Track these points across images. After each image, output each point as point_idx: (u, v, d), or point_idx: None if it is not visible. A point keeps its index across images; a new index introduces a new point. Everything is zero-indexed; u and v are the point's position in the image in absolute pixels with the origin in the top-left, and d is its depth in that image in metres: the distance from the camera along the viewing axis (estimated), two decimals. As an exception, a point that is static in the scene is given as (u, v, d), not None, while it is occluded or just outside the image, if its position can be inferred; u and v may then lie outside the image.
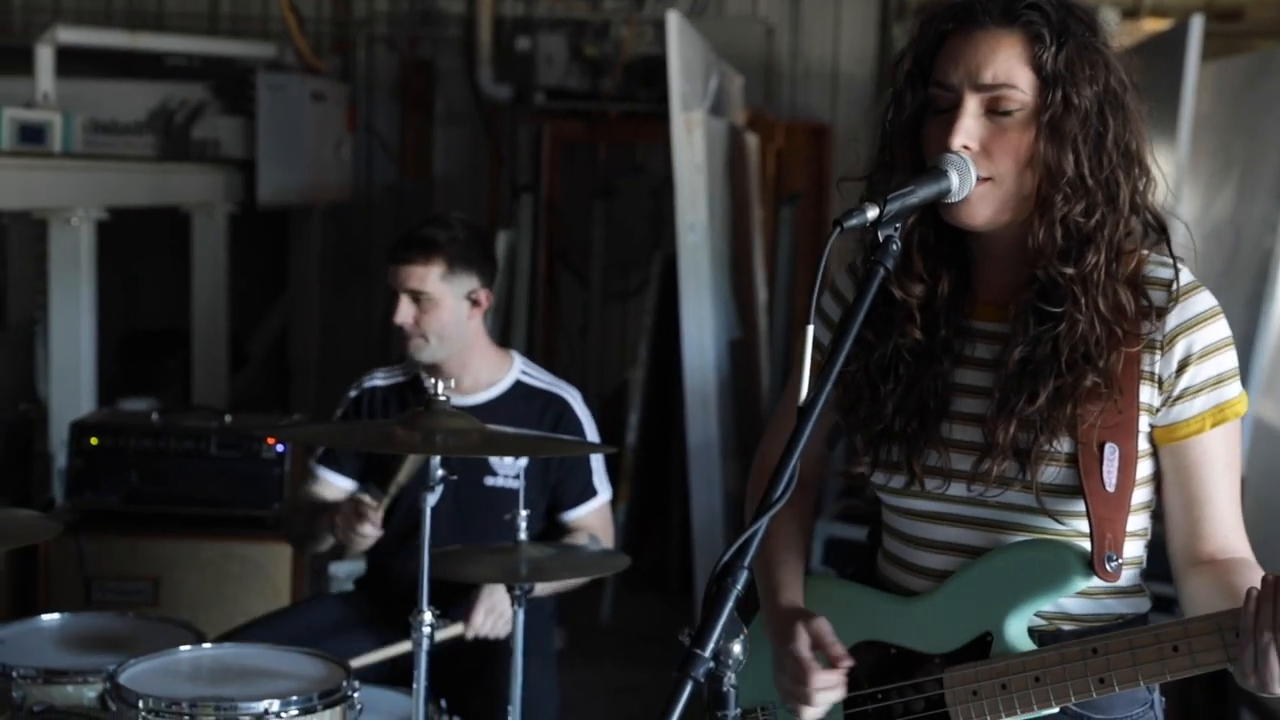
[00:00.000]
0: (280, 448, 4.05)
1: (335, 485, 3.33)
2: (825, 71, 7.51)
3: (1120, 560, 1.78)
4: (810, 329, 1.66)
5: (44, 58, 5.75)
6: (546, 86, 7.02)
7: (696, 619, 1.56)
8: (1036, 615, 1.83)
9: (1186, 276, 1.83)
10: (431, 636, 2.58)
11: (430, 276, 3.16)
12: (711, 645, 1.52)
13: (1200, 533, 1.82)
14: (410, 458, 3.02)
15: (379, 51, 7.75)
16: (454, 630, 2.99)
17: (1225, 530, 1.83)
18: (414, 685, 2.58)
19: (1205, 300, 1.81)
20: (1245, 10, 6.93)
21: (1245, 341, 4.71)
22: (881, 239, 1.70)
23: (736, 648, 1.56)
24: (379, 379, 3.36)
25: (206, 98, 6.56)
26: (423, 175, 7.73)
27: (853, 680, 1.91)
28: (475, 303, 3.24)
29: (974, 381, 1.86)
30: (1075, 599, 1.84)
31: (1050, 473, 1.79)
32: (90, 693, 2.77)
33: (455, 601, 3.02)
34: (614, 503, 5.44)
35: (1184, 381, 1.80)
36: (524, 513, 2.77)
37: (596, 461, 3.32)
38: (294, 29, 7.06)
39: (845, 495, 5.01)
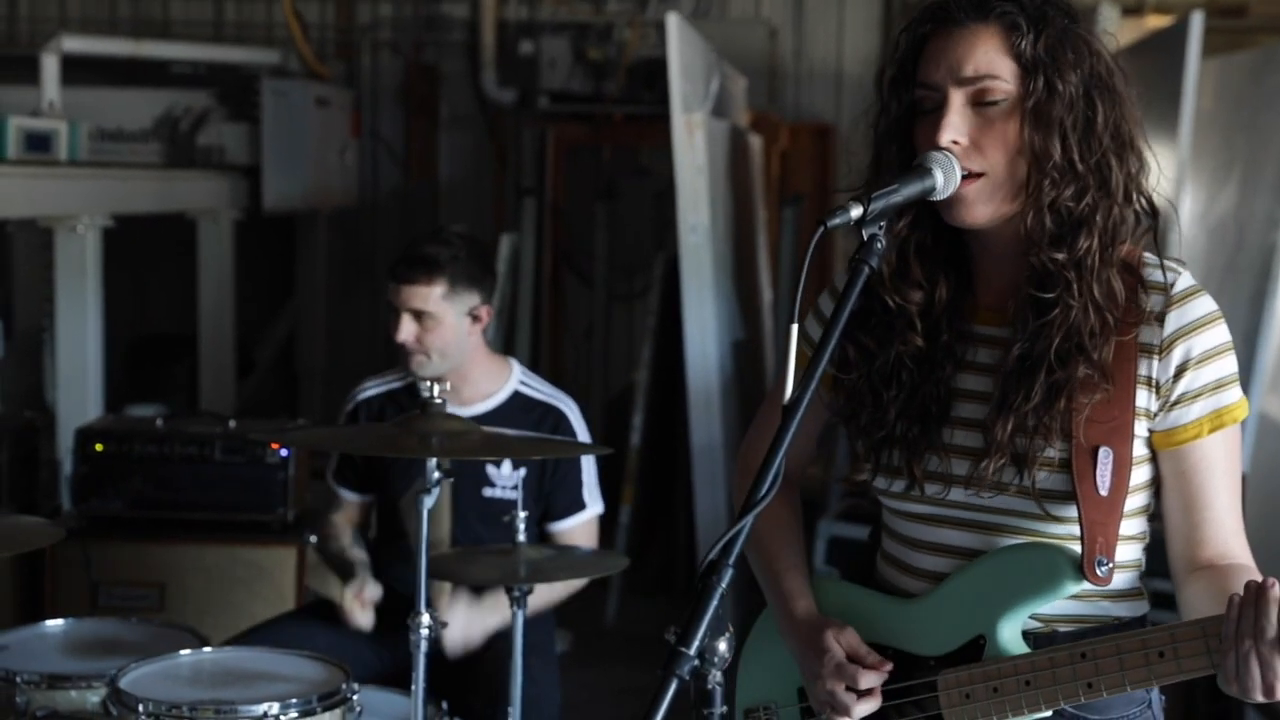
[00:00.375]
0: (284, 452, 4.06)
1: (353, 501, 3.42)
2: (829, 72, 7.52)
3: (1112, 564, 1.77)
4: (794, 328, 1.66)
5: (49, 66, 5.78)
6: (550, 90, 7.04)
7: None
8: (1033, 618, 1.83)
9: (1186, 280, 1.82)
10: (429, 639, 2.59)
11: (433, 296, 3.18)
12: (696, 643, 1.52)
13: (1199, 538, 1.82)
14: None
15: (383, 57, 7.77)
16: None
17: (1224, 536, 1.82)
18: (413, 687, 2.59)
19: (1205, 305, 1.81)
20: (1249, 6, 6.92)
21: (1248, 338, 4.70)
22: (866, 238, 1.71)
23: (722, 646, 1.56)
24: (370, 389, 3.37)
25: (211, 105, 6.59)
26: (427, 179, 7.75)
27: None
28: (476, 319, 3.26)
29: (975, 387, 1.86)
30: (1071, 602, 1.83)
31: (1043, 476, 1.79)
32: (93, 697, 2.78)
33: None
34: (618, 504, 5.49)
35: (1182, 386, 1.79)
36: (522, 514, 2.78)
37: (588, 475, 3.32)
38: (298, 35, 7.09)
39: (849, 495, 5.01)
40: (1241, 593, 1.63)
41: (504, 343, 6.46)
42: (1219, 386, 1.80)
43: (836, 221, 1.68)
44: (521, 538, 2.80)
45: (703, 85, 5.53)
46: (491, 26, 7.44)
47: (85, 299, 5.09)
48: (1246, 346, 4.69)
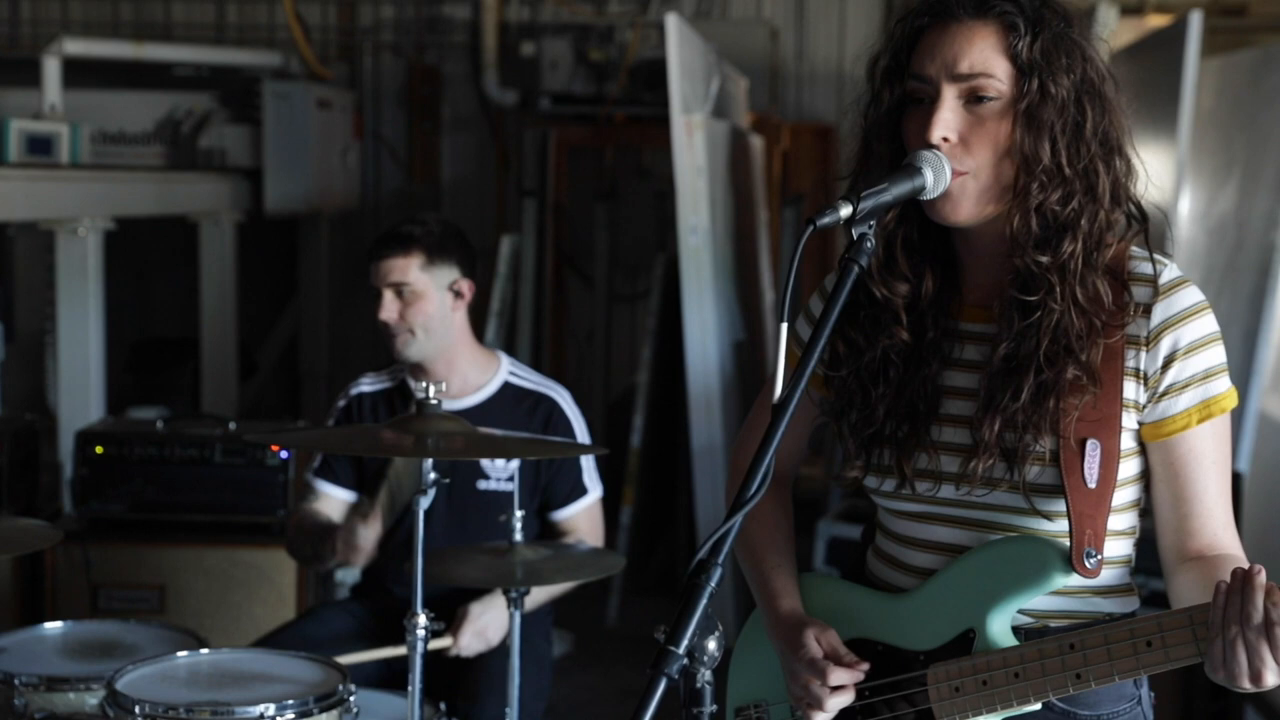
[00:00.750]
0: (284, 454, 4.06)
1: (334, 497, 3.34)
2: (830, 72, 7.52)
3: (1100, 556, 1.77)
4: (784, 327, 1.66)
5: (51, 69, 5.80)
6: (552, 91, 7.04)
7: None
8: (1023, 613, 1.83)
9: (1172, 272, 1.82)
10: (426, 640, 2.59)
11: (411, 268, 3.20)
12: (685, 642, 1.52)
13: (1189, 529, 1.82)
14: (394, 463, 3.06)
15: (385, 59, 7.78)
16: (443, 642, 3.01)
17: (1214, 527, 1.82)
18: (409, 688, 2.59)
19: (1191, 295, 1.81)
20: (1249, 5, 6.92)
21: (1249, 337, 4.69)
22: (856, 236, 1.71)
23: (711, 644, 1.57)
24: (366, 385, 3.38)
25: (213, 107, 6.60)
26: (429, 181, 7.76)
27: (839, 678, 1.92)
28: (458, 294, 3.26)
29: (962, 384, 1.86)
30: (1061, 597, 1.83)
31: (1034, 471, 1.79)
32: (91, 699, 2.78)
33: (450, 607, 3.04)
34: (619, 505, 5.49)
35: (1170, 377, 1.79)
36: (519, 514, 2.78)
37: (587, 459, 3.33)
38: (299, 37, 7.10)
39: (850, 495, 5.01)
40: (1228, 580, 1.63)
41: (506, 344, 6.46)
42: (1207, 376, 1.80)
43: (825, 221, 1.68)
44: (519, 538, 2.80)
45: (703, 86, 5.53)
46: (493, 28, 7.45)
47: (87, 302, 5.11)
48: (1246, 345, 4.68)
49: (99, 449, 4.07)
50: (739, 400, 5.60)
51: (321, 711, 2.58)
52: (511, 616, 2.75)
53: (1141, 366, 1.80)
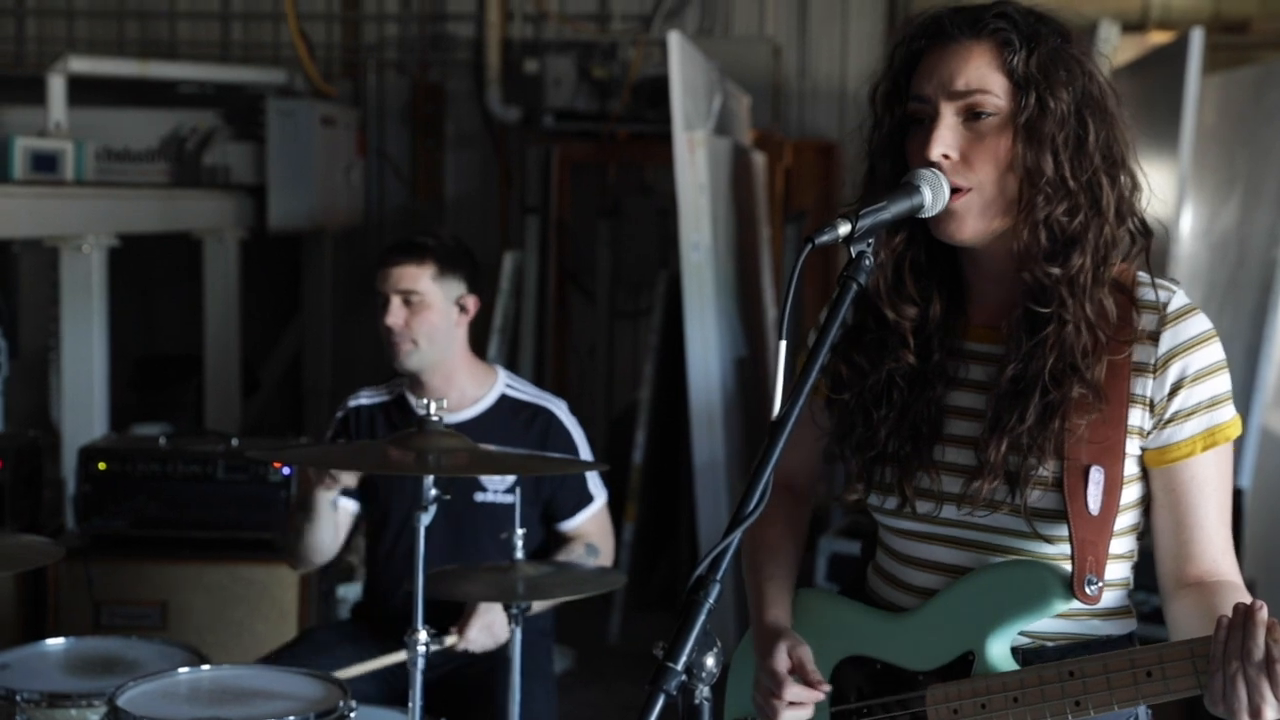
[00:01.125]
0: (286, 471, 4.07)
1: (339, 507, 3.34)
2: (832, 89, 7.53)
3: (1101, 583, 1.77)
4: (783, 344, 1.67)
5: (56, 87, 5.82)
6: (555, 108, 7.06)
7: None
8: (1021, 634, 1.83)
9: (1180, 299, 1.82)
10: (426, 655, 2.59)
11: (422, 277, 3.21)
12: (684, 659, 1.52)
13: (1188, 555, 1.82)
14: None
15: (389, 76, 7.80)
16: (447, 641, 3.00)
17: (1214, 553, 1.82)
18: (410, 705, 2.59)
19: (1199, 323, 1.81)
20: (1251, 22, 6.93)
21: (1251, 353, 4.70)
22: (854, 255, 1.71)
23: (710, 661, 1.56)
24: (364, 398, 3.39)
25: (217, 124, 6.62)
26: (433, 198, 7.77)
27: (840, 695, 1.92)
28: (463, 309, 3.29)
29: (967, 404, 1.87)
30: (1060, 620, 1.83)
31: (1035, 495, 1.79)
32: (93, 716, 2.78)
33: (451, 621, 3.03)
34: (621, 521, 5.49)
35: (1177, 404, 1.79)
36: (520, 531, 2.78)
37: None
38: (304, 55, 7.12)
39: (852, 512, 5.01)
40: (1230, 614, 1.64)
41: (508, 360, 6.47)
42: (1213, 404, 1.80)
43: (824, 239, 1.69)
44: (520, 555, 2.80)
45: (705, 103, 5.55)
46: (496, 45, 7.46)
47: (91, 318, 5.12)
48: (1248, 362, 4.68)
49: (102, 465, 4.08)
50: (741, 417, 5.60)
51: (322, 728, 2.58)
52: (513, 634, 2.75)
53: (1148, 393, 1.80)
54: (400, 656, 2.78)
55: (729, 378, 5.44)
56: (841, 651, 1.92)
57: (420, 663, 2.57)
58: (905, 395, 1.87)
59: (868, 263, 1.71)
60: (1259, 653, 1.59)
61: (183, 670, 2.82)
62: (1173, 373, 1.79)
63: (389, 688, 3.08)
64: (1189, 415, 1.79)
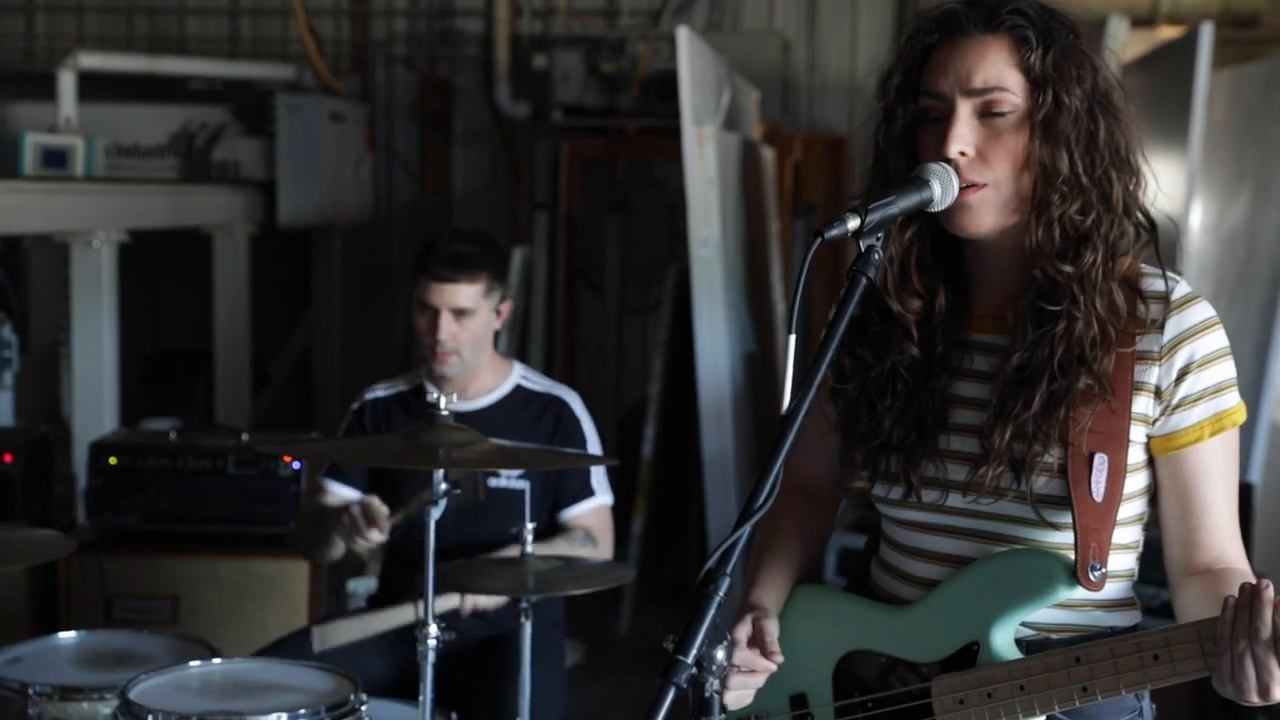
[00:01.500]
0: (297, 465, 4.08)
1: (344, 498, 3.36)
2: (842, 83, 7.53)
3: (1105, 570, 1.77)
4: (792, 339, 1.67)
5: (66, 83, 5.83)
6: (564, 103, 7.06)
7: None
8: (1026, 625, 1.84)
9: (1184, 288, 1.83)
10: (438, 649, 2.60)
11: (475, 293, 3.24)
12: (694, 652, 1.53)
13: (1196, 542, 1.82)
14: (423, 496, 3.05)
15: (397, 71, 7.81)
16: (451, 602, 3.00)
17: (1221, 540, 1.82)
18: (420, 698, 2.60)
19: (1204, 310, 1.82)
20: (1261, 17, 6.91)
21: (1260, 349, 4.69)
22: (863, 249, 1.72)
23: (719, 654, 1.57)
24: (380, 391, 3.40)
25: (227, 120, 6.62)
26: (442, 193, 7.78)
27: (845, 689, 1.92)
28: (498, 313, 3.34)
29: (972, 394, 1.87)
30: (1064, 610, 1.84)
31: (1040, 482, 1.80)
32: (105, 709, 2.79)
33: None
34: (631, 516, 5.50)
35: (1183, 390, 1.80)
36: (530, 525, 2.79)
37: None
38: (312, 51, 7.13)
39: (860, 507, 5.00)
40: (1236, 594, 1.64)
41: (518, 355, 6.48)
42: (1219, 390, 1.81)
43: (833, 233, 1.69)
44: (530, 549, 2.81)
45: (714, 98, 5.55)
46: (505, 41, 7.47)
47: (101, 314, 5.13)
48: (1258, 357, 4.68)
49: (113, 460, 4.09)
50: (750, 411, 5.61)
51: (333, 721, 2.59)
52: (522, 628, 2.76)
53: (1155, 381, 1.81)
54: (403, 617, 2.80)
55: (738, 372, 5.44)
56: (846, 646, 1.93)
57: (431, 655, 2.58)
58: (909, 387, 1.88)
59: (877, 256, 1.72)
60: (1266, 631, 1.60)
61: (194, 664, 2.83)
62: (1179, 359, 1.80)
63: (400, 679, 3.09)
64: (1195, 401, 1.80)
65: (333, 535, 3.14)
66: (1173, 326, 1.80)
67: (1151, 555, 1.90)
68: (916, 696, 1.85)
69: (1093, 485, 1.78)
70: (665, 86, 6.65)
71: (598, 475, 3.35)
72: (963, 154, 1.78)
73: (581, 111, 7.06)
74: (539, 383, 3.40)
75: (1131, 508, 1.85)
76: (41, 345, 6.15)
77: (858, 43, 7.54)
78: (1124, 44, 5.69)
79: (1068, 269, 1.78)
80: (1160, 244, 1.87)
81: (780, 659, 1.86)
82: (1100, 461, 1.78)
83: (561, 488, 3.31)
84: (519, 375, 3.40)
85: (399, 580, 3.30)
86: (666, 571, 6.18)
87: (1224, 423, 1.81)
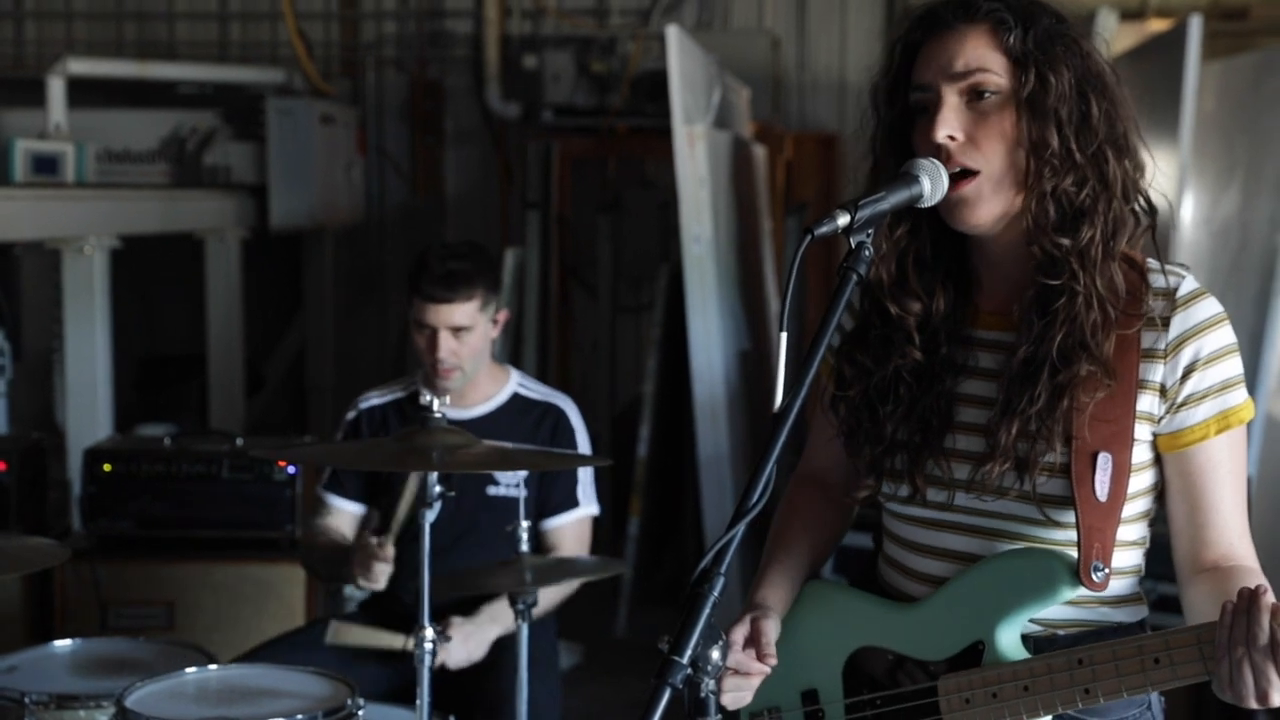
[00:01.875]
0: (291, 470, 4.08)
1: (345, 510, 3.38)
2: (832, 81, 7.53)
3: (1108, 570, 1.77)
4: (784, 336, 1.67)
5: (56, 89, 5.82)
6: (554, 104, 7.05)
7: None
8: (1032, 622, 1.84)
9: (1190, 284, 1.82)
10: (434, 653, 2.59)
11: (472, 311, 3.23)
12: (689, 652, 1.52)
13: (1205, 540, 1.82)
14: (406, 492, 3.06)
15: (387, 74, 7.80)
16: (439, 657, 3.02)
17: (1230, 538, 1.82)
18: (417, 702, 2.59)
19: (1210, 306, 1.81)
20: (1250, 9, 6.92)
21: (1254, 340, 4.70)
22: (854, 245, 1.71)
23: (715, 654, 1.57)
24: (375, 398, 3.40)
25: (217, 124, 6.62)
26: (434, 195, 7.77)
27: (854, 686, 1.92)
28: (495, 322, 3.34)
29: (977, 392, 1.87)
30: (1069, 608, 1.84)
31: (1043, 481, 1.79)
32: (101, 717, 2.79)
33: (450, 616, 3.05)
34: (626, 516, 5.50)
35: (1189, 387, 1.79)
36: (525, 524, 2.79)
37: (585, 473, 3.35)
38: (302, 54, 7.12)
39: (862, 505, 5.00)
40: (1235, 600, 1.64)
41: (511, 356, 6.47)
42: (1225, 387, 1.80)
43: (823, 230, 1.68)
44: (525, 548, 2.81)
45: (704, 97, 5.54)
46: (495, 41, 7.46)
47: (93, 320, 5.12)
48: (1252, 348, 4.68)
49: (107, 466, 4.09)
50: (744, 409, 5.60)
51: (330, 726, 2.58)
52: (520, 628, 2.76)
53: (1160, 378, 1.80)
54: (397, 644, 2.81)
55: (732, 371, 5.44)
56: (855, 643, 1.93)
57: (427, 659, 2.58)
58: (913, 390, 1.88)
59: (867, 253, 1.71)
60: (1263, 637, 1.60)
61: (190, 670, 2.83)
62: (1185, 356, 1.79)
63: (396, 684, 3.08)
64: (1202, 399, 1.79)
65: (345, 576, 3.15)
66: (1178, 324, 1.79)
67: (1154, 550, 1.90)
68: (924, 695, 1.85)
69: (1096, 484, 1.77)
70: (656, 86, 6.64)
71: (584, 486, 3.35)
72: (951, 138, 1.78)
73: (572, 111, 7.06)
74: (536, 390, 3.40)
75: (1137, 506, 1.84)
76: (34, 352, 6.14)
77: (847, 40, 7.54)
78: (1113, 37, 5.69)
79: (1065, 242, 1.78)
80: (1157, 231, 1.87)
81: (774, 662, 1.85)
82: (1104, 460, 1.78)
83: (546, 497, 3.32)
84: (516, 383, 3.40)
85: (395, 583, 3.28)
86: (662, 571, 6.18)
87: (1231, 420, 1.81)
